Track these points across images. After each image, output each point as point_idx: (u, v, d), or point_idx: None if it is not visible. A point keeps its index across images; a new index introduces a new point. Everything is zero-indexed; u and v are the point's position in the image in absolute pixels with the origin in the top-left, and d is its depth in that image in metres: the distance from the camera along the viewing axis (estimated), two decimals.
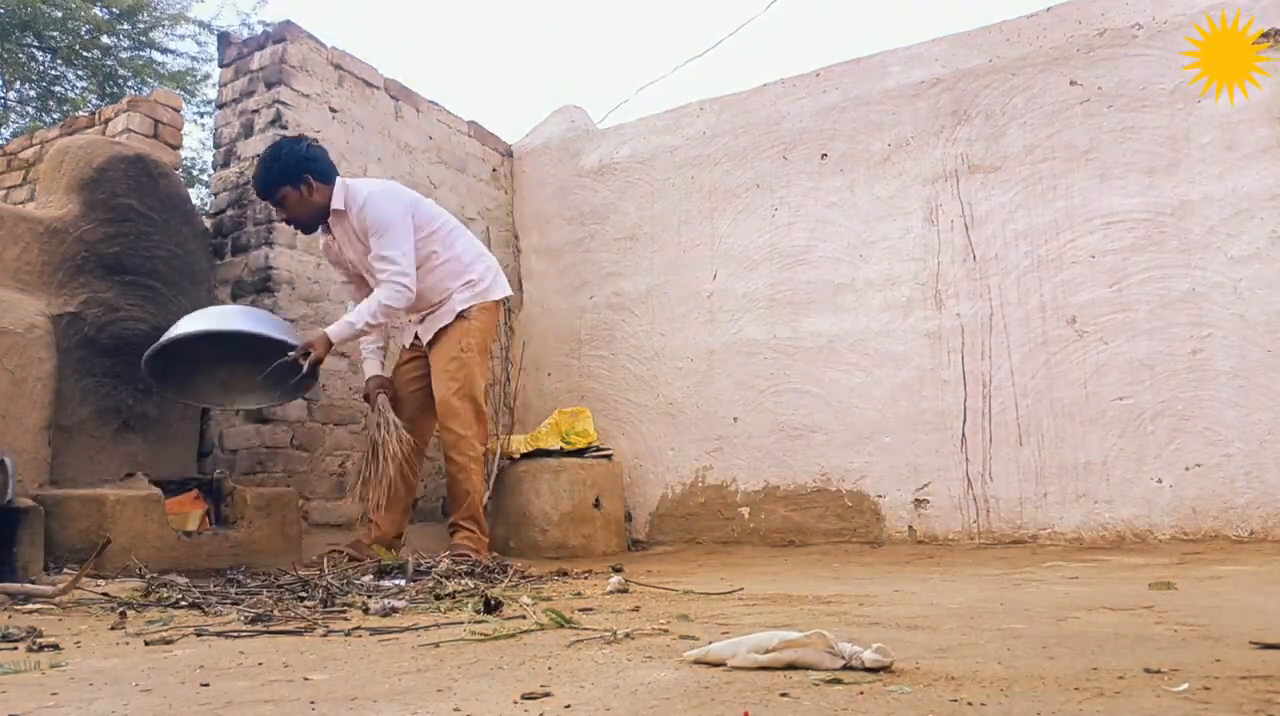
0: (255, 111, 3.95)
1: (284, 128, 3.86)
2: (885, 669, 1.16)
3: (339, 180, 3.36)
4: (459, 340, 3.43)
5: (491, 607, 1.99)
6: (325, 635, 1.73)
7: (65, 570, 2.61)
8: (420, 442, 3.52)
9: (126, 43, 9.98)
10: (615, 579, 2.46)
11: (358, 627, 1.82)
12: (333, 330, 3.29)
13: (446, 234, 3.47)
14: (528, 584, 2.61)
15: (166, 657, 1.50)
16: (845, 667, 1.16)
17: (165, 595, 2.31)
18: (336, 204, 3.34)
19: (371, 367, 3.56)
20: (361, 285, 3.51)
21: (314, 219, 3.39)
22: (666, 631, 1.60)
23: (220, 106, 4.15)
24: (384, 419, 3.34)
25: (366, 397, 3.55)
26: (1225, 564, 2.65)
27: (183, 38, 10.41)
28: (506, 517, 4.09)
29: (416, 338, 3.58)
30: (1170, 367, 3.47)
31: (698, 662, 1.26)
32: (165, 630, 1.83)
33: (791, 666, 1.18)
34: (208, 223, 4.05)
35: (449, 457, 3.42)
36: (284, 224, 3.53)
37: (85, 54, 9.61)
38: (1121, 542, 3.45)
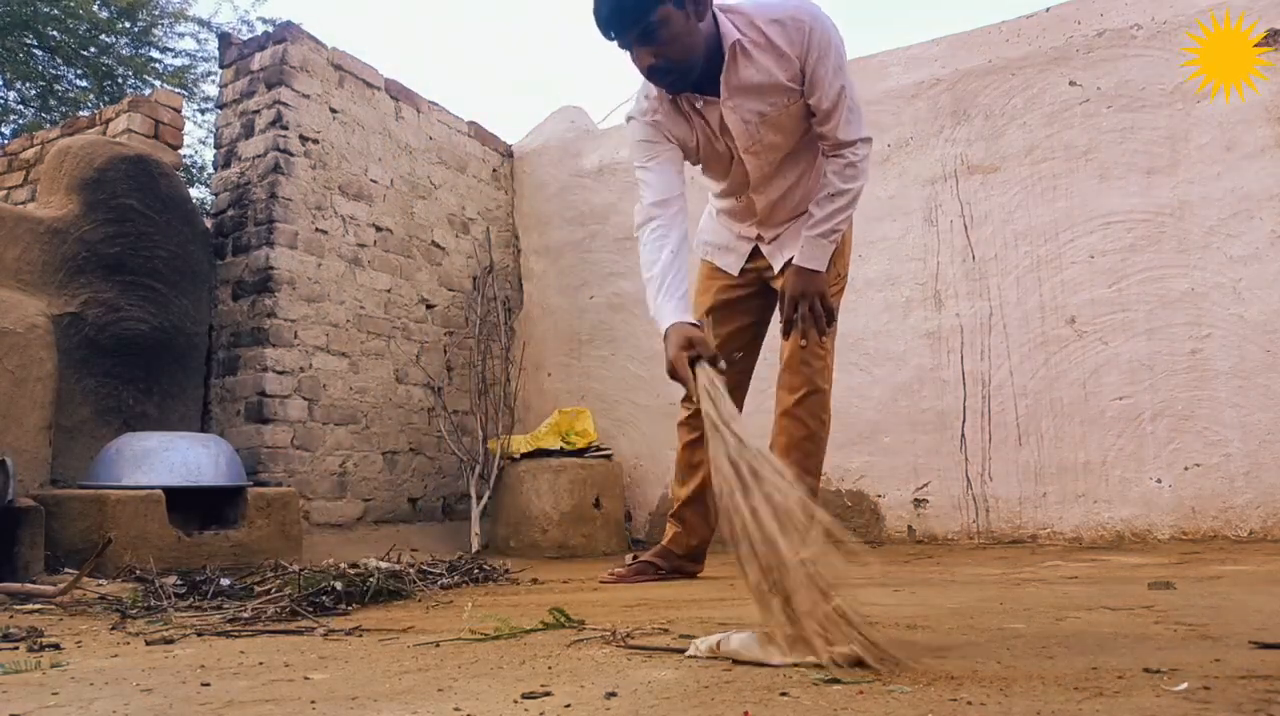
0: (256, 112, 3.96)
1: (284, 128, 3.87)
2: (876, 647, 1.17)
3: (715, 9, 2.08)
4: (837, 276, 2.31)
5: None
6: (326, 635, 1.74)
7: (66, 570, 2.61)
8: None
9: (126, 41, 9.99)
10: None
11: (358, 627, 1.82)
12: (813, 261, 2.19)
13: None
14: (528, 583, 2.61)
15: (167, 657, 1.51)
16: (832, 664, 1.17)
17: (166, 594, 2.31)
18: (733, 33, 2.05)
19: (675, 310, 1.86)
20: (723, 174, 2.27)
21: (693, 59, 2.02)
22: (667, 630, 1.60)
23: (221, 107, 4.16)
24: (720, 417, 1.52)
25: (671, 372, 1.75)
26: (1225, 564, 2.65)
27: (182, 36, 10.43)
28: (507, 517, 4.10)
29: (752, 261, 2.41)
30: (1169, 368, 3.47)
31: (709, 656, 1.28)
32: (166, 630, 1.83)
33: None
34: (209, 222, 4.05)
35: (814, 464, 2.41)
36: (645, 76, 2.04)
37: (85, 52, 9.61)
38: (1121, 542, 3.45)
